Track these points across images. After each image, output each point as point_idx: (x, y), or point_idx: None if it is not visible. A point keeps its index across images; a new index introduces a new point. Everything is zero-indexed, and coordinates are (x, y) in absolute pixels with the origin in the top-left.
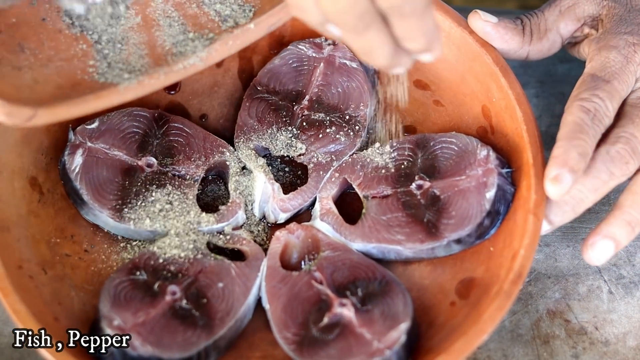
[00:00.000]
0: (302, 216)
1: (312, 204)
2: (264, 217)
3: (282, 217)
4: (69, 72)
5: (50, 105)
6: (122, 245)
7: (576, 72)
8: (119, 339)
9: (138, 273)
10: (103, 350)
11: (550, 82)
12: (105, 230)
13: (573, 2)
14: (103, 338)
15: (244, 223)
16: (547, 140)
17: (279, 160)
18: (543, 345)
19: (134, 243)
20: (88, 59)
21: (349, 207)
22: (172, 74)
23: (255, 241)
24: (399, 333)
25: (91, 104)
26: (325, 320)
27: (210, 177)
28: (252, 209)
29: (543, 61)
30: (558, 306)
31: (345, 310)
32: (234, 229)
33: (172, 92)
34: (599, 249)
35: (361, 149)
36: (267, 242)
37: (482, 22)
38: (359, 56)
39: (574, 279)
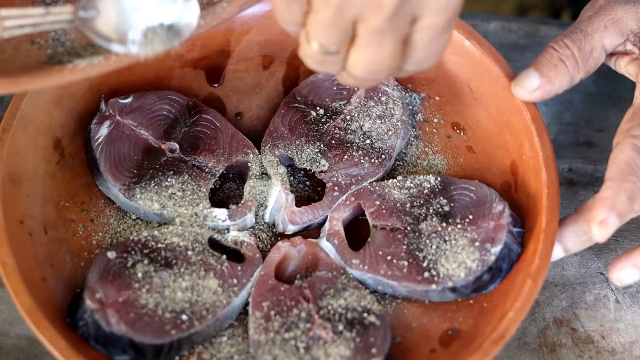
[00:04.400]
0: (312, 232)
1: (323, 221)
2: (273, 225)
3: (291, 229)
4: (38, 54)
5: (12, 76)
6: (129, 223)
7: (584, 81)
8: (97, 312)
9: (133, 253)
10: (80, 319)
11: None
12: (116, 206)
13: (617, 16)
14: (82, 307)
15: (252, 227)
16: (555, 149)
17: (302, 172)
18: (549, 353)
19: (141, 223)
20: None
21: (359, 233)
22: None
23: (258, 247)
24: None
25: (53, 77)
26: (303, 338)
27: (230, 175)
28: (263, 214)
29: None
30: (565, 314)
31: (324, 334)
32: (240, 230)
33: (216, 85)
34: (625, 274)
35: (383, 178)
36: (270, 249)
37: (528, 92)
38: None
39: (581, 288)
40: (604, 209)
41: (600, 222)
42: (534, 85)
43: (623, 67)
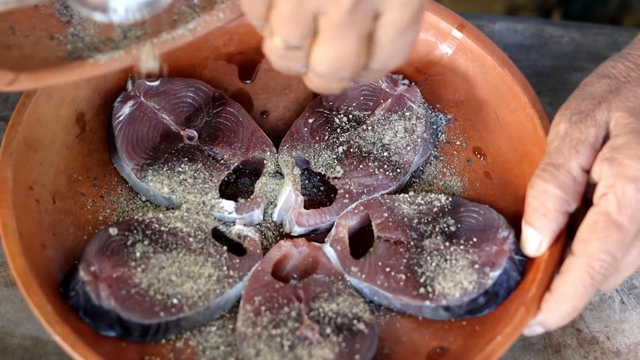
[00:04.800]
0: (319, 236)
1: (331, 227)
2: (281, 224)
3: (297, 230)
4: (57, 50)
5: (34, 72)
6: (138, 204)
7: None
8: (89, 284)
9: (135, 232)
10: (71, 290)
11: (564, 90)
12: (128, 186)
13: (582, 135)
14: (75, 278)
15: (259, 224)
16: None
17: (318, 177)
18: (554, 354)
19: (150, 205)
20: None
21: (364, 243)
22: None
23: (262, 244)
24: None
25: (75, 71)
26: (289, 336)
27: (246, 171)
28: (271, 213)
29: (557, 70)
30: None
31: (310, 334)
32: (246, 225)
33: (247, 82)
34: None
35: (396, 192)
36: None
37: (536, 252)
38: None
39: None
40: (534, 319)
41: (528, 327)
42: (536, 243)
43: (593, 175)
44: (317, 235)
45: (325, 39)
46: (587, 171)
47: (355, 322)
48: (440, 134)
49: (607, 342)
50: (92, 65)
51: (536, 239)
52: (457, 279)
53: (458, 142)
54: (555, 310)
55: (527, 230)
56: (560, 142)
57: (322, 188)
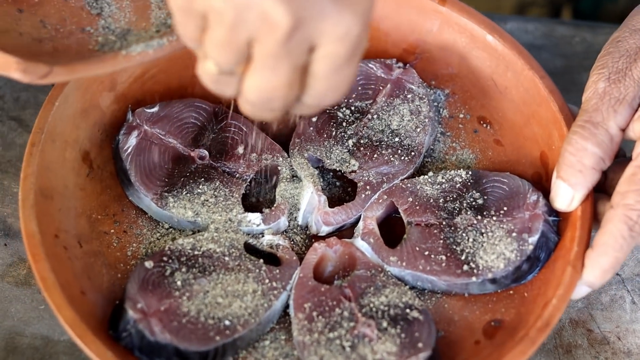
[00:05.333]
0: (344, 232)
1: (356, 221)
2: (306, 227)
3: (324, 230)
4: (89, 42)
5: (67, 64)
6: (162, 231)
7: None
8: (140, 322)
9: (170, 261)
10: (123, 331)
11: (575, 90)
12: (148, 216)
13: (621, 95)
14: (124, 318)
15: (285, 230)
16: None
17: (331, 174)
18: (565, 354)
19: (174, 231)
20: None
21: (392, 230)
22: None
23: (293, 249)
24: None
25: (108, 63)
26: (348, 337)
27: (259, 180)
28: (295, 217)
29: (568, 70)
30: (581, 316)
31: (369, 331)
32: (274, 234)
33: None
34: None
35: (413, 175)
36: (304, 251)
37: (566, 206)
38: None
39: (597, 289)
40: (580, 279)
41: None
42: (569, 198)
43: (630, 133)
44: (342, 232)
45: (257, 68)
46: (623, 130)
47: (408, 310)
48: (441, 110)
49: (618, 342)
50: (125, 57)
51: (569, 194)
52: (498, 250)
53: (461, 115)
54: (598, 264)
55: (560, 185)
56: (599, 100)
57: (337, 183)
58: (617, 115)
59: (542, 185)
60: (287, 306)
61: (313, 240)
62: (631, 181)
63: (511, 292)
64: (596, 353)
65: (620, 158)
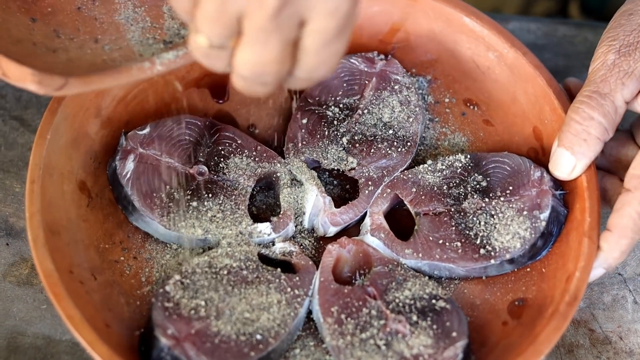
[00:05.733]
0: (349, 230)
1: (361, 219)
2: (312, 230)
3: (332, 231)
4: (102, 53)
5: (82, 76)
6: (171, 253)
7: None
8: (174, 348)
9: (190, 282)
10: (157, 359)
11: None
12: (154, 238)
13: (630, 68)
14: (157, 347)
15: (293, 235)
16: None
17: (327, 173)
18: (567, 354)
19: (184, 251)
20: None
21: (397, 223)
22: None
23: (304, 254)
24: (456, 351)
25: (122, 75)
26: (380, 335)
27: (257, 188)
28: (302, 221)
29: (570, 69)
30: (582, 315)
31: (400, 327)
32: (283, 240)
33: (221, 102)
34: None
35: (412, 165)
36: (315, 254)
37: (567, 174)
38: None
39: (599, 288)
40: (596, 261)
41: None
42: (570, 166)
43: (637, 105)
44: (347, 231)
45: (247, 42)
46: (627, 103)
47: (434, 301)
48: (426, 96)
49: (620, 342)
50: (139, 69)
51: (571, 163)
52: (511, 230)
53: (447, 100)
54: (618, 246)
55: (562, 153)
56: (608, 71)
57: (335, 183)
58: (625, 88)
59: (539, 160)
60: (309, 312)
61: (321, 242)
62: None
63: (528, 269)
64: (598, 353)
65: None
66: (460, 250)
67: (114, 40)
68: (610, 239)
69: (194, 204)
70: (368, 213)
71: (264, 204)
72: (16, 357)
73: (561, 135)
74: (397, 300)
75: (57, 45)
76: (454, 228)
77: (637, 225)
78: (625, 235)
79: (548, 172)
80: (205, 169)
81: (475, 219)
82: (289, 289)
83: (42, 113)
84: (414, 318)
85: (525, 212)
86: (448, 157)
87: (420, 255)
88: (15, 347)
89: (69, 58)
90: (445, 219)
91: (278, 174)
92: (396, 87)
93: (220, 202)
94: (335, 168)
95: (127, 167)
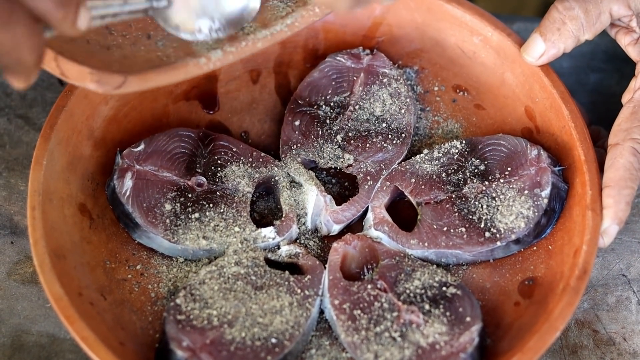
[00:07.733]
0: (352, 227)
1: (363, 215)
2: (315, 229)
3: (335, 229)
4: (156, 49)
5: (140, 73)
6: (178, 266)
7: (607, 82)
8: (191, 359)
9: (200, 293)
10: None
11: (582, 91)
12: (159, 253)
13: None
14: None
15: (297, 237)
16: None
17: (324, 172)
18: (571, 355)
19: (190, 263)
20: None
21: (400, 215)
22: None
23: (310, 254)
24: (472, 335)
25: (179, 71)
26: (395, 327)
27: (257, 193)
28: (304, 222)
29: (574, 70)
30: (586, 316)
31: (414, 317)
32: (288, 243)
33: (211, 112)
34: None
35: (408, 156)
36: (321, 254)
37: (534, 59)
38: None
39: (603, 290)
40: (607, 219)
41: (604, 231)
42: (539, 52)
43: (623, 44)
44: (350, 228)
45: None
46: (613, 23)
47: (444, 288)
48: (415, 87)
49: (624, 343)
50: (195, 65)
51: (540, 49)
52: (514, 210)
53: (436, 88)
54: (622, 197)
55: (536, 39)
56: None
57: (333, 181)
58: (614, 2)
59: (535, 139)
60: (321, 312)
61: (326, 241)
62: (634, 118)
63: (535, 248)
64: (602, 354)
65: None
66: (465, 236)
67: (167, 35)
68: (612, 192)
69: (196, 215)
70: (370, 208)
71: (266, 209)
72: (20, 355)
73: (541, 22)
74: (407, 291)
75: (110, 42)
76: (456, 214)
77: (633, 175)
78: (625, 186)
79: (544, 149)
80: (204, 179)
81: (477, 203)
82: (299, 290)
83: (47, 112)
84: (427, 307)
85: (526, 192)
86: (444, 145)
87: (426, 244)
88: (19, 345)
89: (124, 55)
90: (447, 206)
91: (276, 178)
92: (385, 80)
93: (222, 211)
94: (333, 166)
95: (126, 185)
